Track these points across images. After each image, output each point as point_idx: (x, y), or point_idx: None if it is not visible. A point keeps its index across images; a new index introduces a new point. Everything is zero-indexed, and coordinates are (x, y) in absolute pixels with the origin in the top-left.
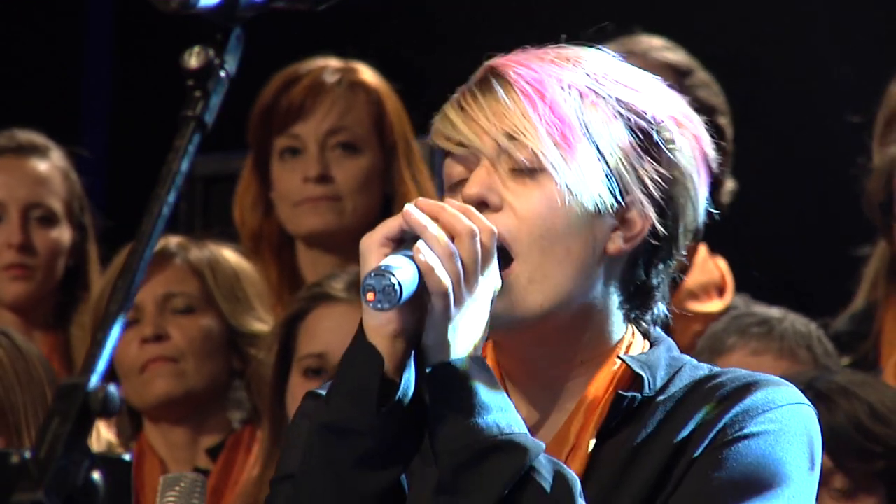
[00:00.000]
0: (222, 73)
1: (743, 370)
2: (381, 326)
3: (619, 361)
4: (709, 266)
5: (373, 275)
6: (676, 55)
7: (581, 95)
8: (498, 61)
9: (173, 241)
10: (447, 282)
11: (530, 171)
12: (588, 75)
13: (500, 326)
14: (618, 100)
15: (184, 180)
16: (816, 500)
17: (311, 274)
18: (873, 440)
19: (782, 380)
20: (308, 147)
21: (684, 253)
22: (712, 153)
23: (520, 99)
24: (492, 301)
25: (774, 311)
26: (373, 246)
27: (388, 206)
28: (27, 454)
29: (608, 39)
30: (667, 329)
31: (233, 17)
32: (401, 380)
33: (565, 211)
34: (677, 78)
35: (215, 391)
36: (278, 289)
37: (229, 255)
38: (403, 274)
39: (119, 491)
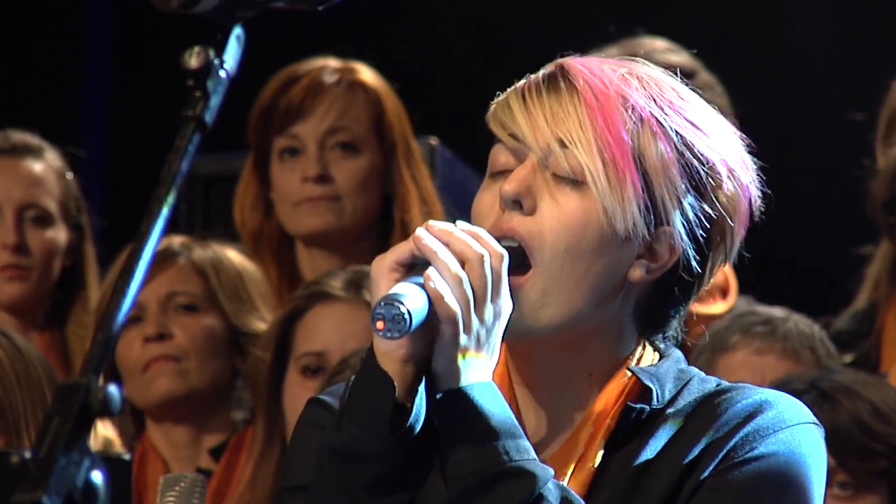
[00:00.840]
0: (222, 73)
1: (752, 386)
2: (391, 352)
3: (629, 373)
4: None
5: (383, 303)
6: (680, 57)
7: (642, 120)
8: (571, 62)
9: (177, 240)
10: (456, 308)
11: (572, 182)
12: (655, 101)
13: (508, 336)
14: (677, 133)
15: (184, 180)
16: None
17: (310, 274)
18: (875, 439)
19: (791, 397)
20: (307, 147)
21: (707, 288)
22: (758, 202)
23: (582, 108)
24: (504, 324)
25: (778, 311)
26: (383, 271)
27: (388, 206)
28: (27, 454)
29: (611, 41)
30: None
31: (233, 16)
32: (412, 405)
33: (595, 230)
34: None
35: (218, 391)
36: (278, 289)
37: (233, 255)
38: (413, 302)
39: (119, 491)
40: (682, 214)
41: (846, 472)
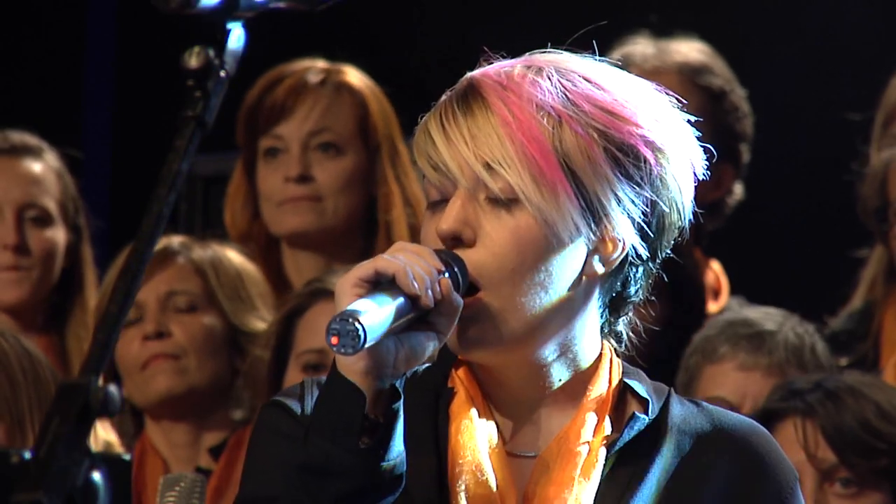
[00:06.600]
0: (222, 73)
1: (737, 416)
2: (351, 364)
3: (602, 379)
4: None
5: (338, 319)
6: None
7: (560, 122)
8: (480, 77)
9: (176, 239)
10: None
11: (506, 203)
12: (568, 97)
13: (475, 350)
14: (598, 125)
15: (184, 180)
16: (822, 496)
17: (295, 276)
18: (879, 437)
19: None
20: (290, 147)
21: (660, 263)
22: (699, 164)
23: (499, 126)
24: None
25: (772, 320)
26: (346, 287)
27: (373, 207)
28: (27, 454)
29: (607, 41)
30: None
31: (233, 17)
32: (379, 418)
33: (538, 244)
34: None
35: (217, 389)
36: None
37: (232, 255)
38: (371, 318)
39: (119, 491)
40: (619, 204)
41: (849, 470)
